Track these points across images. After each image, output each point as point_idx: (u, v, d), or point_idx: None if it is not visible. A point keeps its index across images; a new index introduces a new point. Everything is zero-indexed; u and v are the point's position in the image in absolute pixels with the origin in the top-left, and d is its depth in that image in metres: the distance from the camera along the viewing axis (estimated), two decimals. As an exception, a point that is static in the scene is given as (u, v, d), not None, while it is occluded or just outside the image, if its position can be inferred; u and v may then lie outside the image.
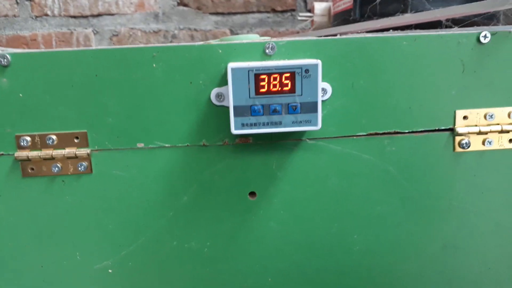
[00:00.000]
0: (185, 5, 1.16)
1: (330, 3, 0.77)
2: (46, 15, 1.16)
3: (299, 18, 0.83)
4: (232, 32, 1.19)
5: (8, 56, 0.42)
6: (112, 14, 1.16)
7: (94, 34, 1.18)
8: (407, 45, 0.45)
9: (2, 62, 0.42)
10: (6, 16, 1.15)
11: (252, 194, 0.48)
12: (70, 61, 0.43)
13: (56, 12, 1.16)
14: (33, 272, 0.47)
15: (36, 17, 1.16)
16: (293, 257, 0.49)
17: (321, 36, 0.59)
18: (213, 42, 0.45)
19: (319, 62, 0.40)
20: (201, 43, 0.45)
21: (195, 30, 1.18)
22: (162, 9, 1.16)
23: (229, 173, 0.47)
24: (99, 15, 1.16)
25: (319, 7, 0.78)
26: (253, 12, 1.17)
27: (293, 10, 1.17)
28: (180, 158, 0.46)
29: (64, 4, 1.16)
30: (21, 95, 0.43)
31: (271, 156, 0.47)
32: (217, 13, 1.17)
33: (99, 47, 0.44)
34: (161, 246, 0.48)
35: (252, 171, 0.47)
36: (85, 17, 1.17)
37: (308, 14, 0.83)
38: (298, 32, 1.18)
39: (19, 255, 0.47)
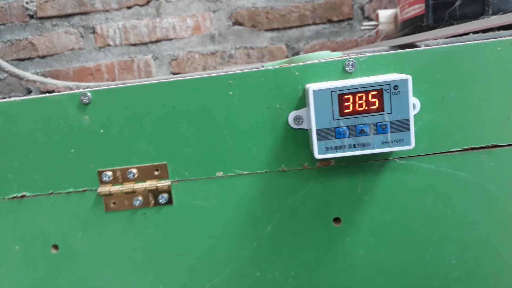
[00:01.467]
0: (240, 24, 1.17)
1: (396, 10, 0.73)
2: (109, 45, 1.21)
3: (362, 27, 0.79)
4: (288, 47, 1.17)
5: (89, 94, 0.43)
6: (170, 39, 1.19)
7: (154, 60, 1.21)
8: (502, 51, 0.41)
9: (84, 100, 0.43)
10: (72, 49, 1.21)
11: (337, 220, 0.45)
12: (148, 94, 0.43)
13: (117, 41, 1.20)
14: (119, 306, 0.48)
15: (100, 48, 1.21)
16: (385, 286, 0.46)
17: (395, 47, 0.56)
18: (269, 63, 0.44)
19: (409, 77, 0.37)
20: (271, 64, 0.43)
21: (251, 48, 1.18)
22: (218, 30, 1.17)
23: (311, 198, 0.44)
24: (157, 41, 1.20)
25: (384, 14, 0.74)
26: (308, 24, 1.15)
27: (350, 19, 1.14)
28: (259, 185, 0.44)
29: (124, 33, 1.20)
30: (102, 131, 0.44)
31: (356, 178, 0.44)
32: (272, 29, 1.16)
33: (174, 77, 0.43)
34: (244, 277, 0.46)
35: (336, 195, 0.44)
36: (145, 44, 1.20)
37: (371, 22, 0.79)
38: (356, 41, 1.14)
39: (105, 289, 0.47)
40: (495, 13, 0.54)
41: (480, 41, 0.41)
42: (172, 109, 0.43)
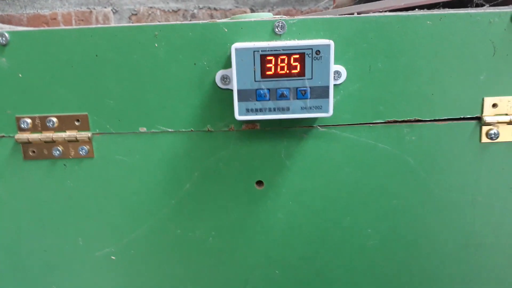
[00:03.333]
0: (205, -17, 1.13)
1: (353, -20, 0.72)
2: (66, -7, 1.15)
3: (320, -4, 0.78)
4: (253, 11, 1.15)
5: (6, 34, 0.41)
6: (131, -7, 1.14)
7: (113, 13, 1.16)
8: (432, 25, 0.41)
9: (0, 41, 0.41)
10: (27, -6, 1.15)
11: (259, 183, 0.45)
12: (70, 40, 0.41)
13: (76, -10, 1.14)
14: (36, 257, 0.47)
15: (57, -5, 1.15)
16: (302, 250, 0.47)
17: (339, 15, 0.55)
18: (219, 21, 0.42)
19: (331, 42, 0.37)
20: (207, 21, 0.42)
21: (215, 9, 1.15)
22: (181, -13, 1.13)
23: (235, 160, 0.44)
24: (118, -7, 1.14)
25: (341, -16, 0.73)
26: (275, -10, 1.13)
27: (317, -12, 1.12)
28: (183, 144, 0.44)
29: (84, -18, 1.14)
30: (20, 75, 0.42)
31: (280, 143, 0.44)
32: (237, -8, 1.13)
33: (99, 25, 0.41)
34: (164, 234, 0.46)
35: (260, 159, 0.44)
36: (105, -5, 1.15)
37: (330, -9, 0.78)
38: (322, 11, 1.13)
39: (21, 239, 0.47)
40: (440, -11, 0.53)
41: (411, 13, 0.41)
42: (95, 58, 0.41)
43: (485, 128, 0.44)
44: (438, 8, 0.55)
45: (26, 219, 0.46)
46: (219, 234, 0.46)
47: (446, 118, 0.43)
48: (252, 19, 0.41)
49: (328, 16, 0.41)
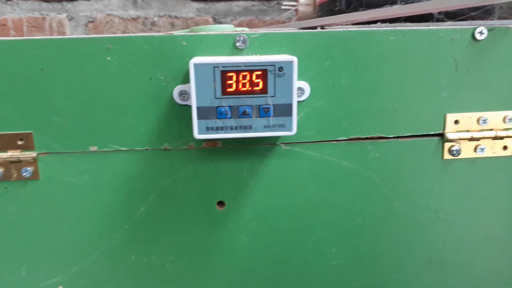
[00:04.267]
0: (165, -10, 1.10)
1: (315, -8, 0.72)
2: (17, -2, 1.09)
3: (283, 7, 0.78)
4: (215, 20, 1.13)
5: None
6: (88, -1, 1.10)
7: (69, 20, 1.11)
8: (395, 41, 0.40)
9: None
10: (-27, -1, 1.08)
11: (221, 203, 0.43)
12: (13, 52, 0.38)
13: (27, -5, 1.08)
14: (-27, 289, 0.42)
15: (7, 0, 1.09)
16: (265, 273, 0.45)
17: (302, 28, 0.54)
18: (176, 33, 0.40)
19: (294, 59, 0.35)
20: (163, 33, 0.40)
21: (176, 17, 1.12)
22: (140, -5, 1.10)
23: (195, 180, 0.42)
24: (73, -1, 1.10)
25: (304, -4, 0.72)
26: (237, -1, 1.11)
27: (279, -2, 1.11)
28: (138, 163, 0.41)
29: (36, -14, 1.08)
30: (-46, 89, 0.38)
31: (242, 162, 0.42)
32: (199, 0, 1.11)
33: (45, 37, 0.38)
34: (117, 261, 0.43)
35: (221, 178, 0.42)
36: (59, 1, 1.10)
37: (292, 3, 0.77)
38: (284, 22, 1.13)
39: (-42, 269, 0.42)
40: (402, 3, 0.53)
41: (375, 28, 0.40)
42: (40, 71, 0.38)
43: (447, 145, 0.43)
44: (400, 22, 0.55)
45: (-38, 248, 0.42)
46: (177, 259, 0.44)
47: (409, 135, 0.43)
48: (212, 32, 0.39)
49: (291, 30, 0.40)
